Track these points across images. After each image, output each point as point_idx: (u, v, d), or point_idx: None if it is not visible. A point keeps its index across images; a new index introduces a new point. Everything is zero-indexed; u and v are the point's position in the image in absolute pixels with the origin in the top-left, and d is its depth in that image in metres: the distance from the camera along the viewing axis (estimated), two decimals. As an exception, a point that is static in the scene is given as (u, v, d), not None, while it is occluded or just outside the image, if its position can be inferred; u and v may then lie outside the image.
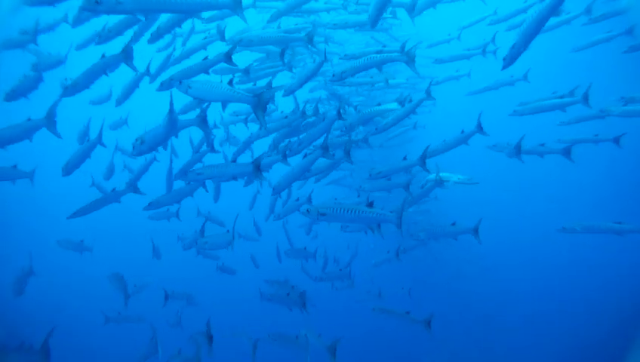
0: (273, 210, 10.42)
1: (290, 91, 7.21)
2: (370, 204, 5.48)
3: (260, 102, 5.74)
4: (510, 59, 5.62)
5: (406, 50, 7.07)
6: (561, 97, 8.77)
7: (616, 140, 9.15)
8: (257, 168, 6.19)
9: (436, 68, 13.45)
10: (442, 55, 11.74)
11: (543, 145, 8.95)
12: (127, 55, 6.17)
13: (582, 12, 10.22)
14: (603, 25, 10.62)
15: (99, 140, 7.38)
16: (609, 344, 11.53)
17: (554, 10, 5.23)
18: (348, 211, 5.42)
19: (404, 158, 7.85)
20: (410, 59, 7.08)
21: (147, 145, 5.55)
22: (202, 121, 5.89)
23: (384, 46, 8.40)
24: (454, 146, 8.11)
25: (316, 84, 10.77)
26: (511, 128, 10.24)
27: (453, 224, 7.72)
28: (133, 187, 7.12)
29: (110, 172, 10.82)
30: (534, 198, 23.92)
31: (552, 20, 8.40)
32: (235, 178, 6.53)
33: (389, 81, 9.96)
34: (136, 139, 5.52)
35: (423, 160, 7.70)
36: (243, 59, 8.92)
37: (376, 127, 8.00)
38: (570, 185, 23.13)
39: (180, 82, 5.66)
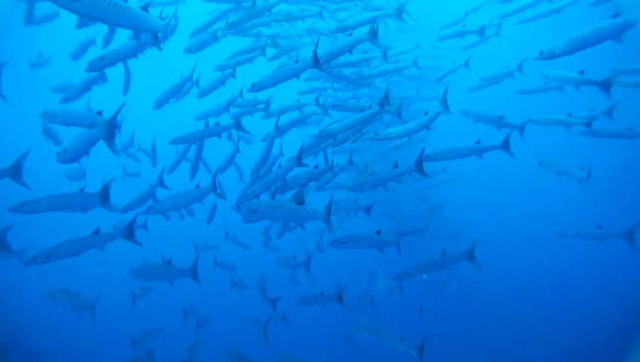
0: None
1: (259, 87, 6.52)
2: (301, 201, 5.17)
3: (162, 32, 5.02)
4: (546, 57, 5.95)
5: (369, 27, 6.67)
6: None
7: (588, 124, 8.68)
8: (105, 198, 5.63)
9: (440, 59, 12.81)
10: (444, 32, 11.20)
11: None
12: None
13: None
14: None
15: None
16: (609, 344, 10.97)
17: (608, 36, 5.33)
18: (279, 208, 5.13)
19: (395, 166, 6.78)
20: (372, 35, 6.59)
21: (69, 155, 5.13)
22: (110, 131, 5.17)
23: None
24: (465, 156, 7.31)
25: (314, 72, 9.65)
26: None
27: (443, 253, 6.88)
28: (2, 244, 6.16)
29: (78, 174, 10.08)
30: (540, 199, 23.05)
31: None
32: (84, 210, 5.84)
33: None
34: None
35: (419, 165, 6.62)
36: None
37: (375, 133, 7.26)
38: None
39: None
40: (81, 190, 5.70)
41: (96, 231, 5.69)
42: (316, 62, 6.20)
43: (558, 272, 17.47)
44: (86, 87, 7.30)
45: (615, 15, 5.14)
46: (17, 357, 11.11)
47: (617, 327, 11.96)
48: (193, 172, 8.46)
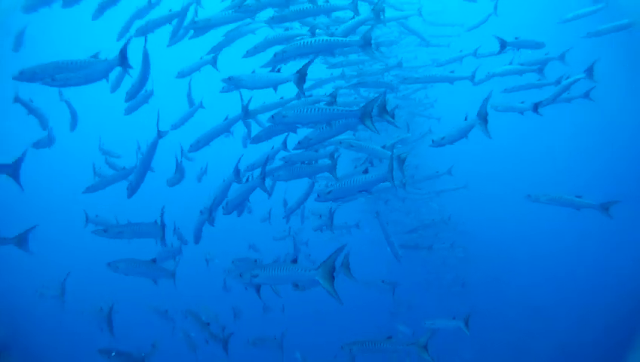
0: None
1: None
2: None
3: None
4: None
5: (363, 34, 6.01)
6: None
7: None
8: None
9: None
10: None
11: None
12: None
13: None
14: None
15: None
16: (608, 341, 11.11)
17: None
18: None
19: (365, 171, 5.77)
20: (366, 42, 5.98)
21: None
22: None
23: None
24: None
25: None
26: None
27: (390, 337, 5.91)
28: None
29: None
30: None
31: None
32: None
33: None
34: None
35: (391, 173, 5.37)
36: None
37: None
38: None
39: None
40: None
41: None
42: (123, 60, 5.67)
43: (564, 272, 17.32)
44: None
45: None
46: (18, 356, 11.03)
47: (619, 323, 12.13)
48: (132, 188, 6.79)
